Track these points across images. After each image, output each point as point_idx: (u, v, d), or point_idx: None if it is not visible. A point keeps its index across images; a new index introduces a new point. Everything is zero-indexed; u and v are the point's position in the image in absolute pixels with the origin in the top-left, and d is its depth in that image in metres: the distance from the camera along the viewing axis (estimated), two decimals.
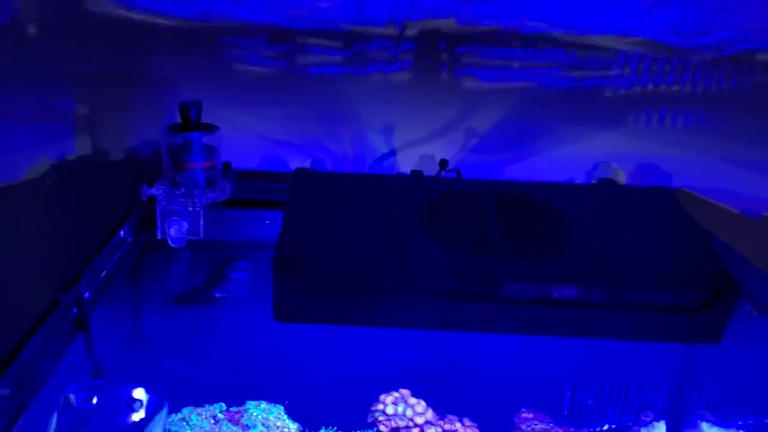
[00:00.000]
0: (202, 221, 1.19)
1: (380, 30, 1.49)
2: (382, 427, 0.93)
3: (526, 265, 0.92)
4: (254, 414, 0.92)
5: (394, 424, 0.93)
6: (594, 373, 1.05)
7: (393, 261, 0.91)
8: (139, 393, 0.78)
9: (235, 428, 0.89)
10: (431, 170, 1.56)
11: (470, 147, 1.60)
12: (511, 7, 1.47)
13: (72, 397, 0.76)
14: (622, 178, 1.61)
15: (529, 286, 0.90)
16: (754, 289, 1.15)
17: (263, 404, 0.95)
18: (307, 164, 1.59)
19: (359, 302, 0.90)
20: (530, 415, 0.99)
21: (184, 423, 0.88)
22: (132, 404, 0.76)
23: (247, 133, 1.56)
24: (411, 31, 1.50)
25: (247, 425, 0.90)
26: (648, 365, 1.05)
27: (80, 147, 1.58)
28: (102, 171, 1.56)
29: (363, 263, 0.91)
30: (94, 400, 0.76)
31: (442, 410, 0.97)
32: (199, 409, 0.93)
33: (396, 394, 0.96)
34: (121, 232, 1.18)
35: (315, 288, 0.89)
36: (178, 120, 1.27)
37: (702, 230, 1.07)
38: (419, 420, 0.93)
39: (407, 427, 0.93)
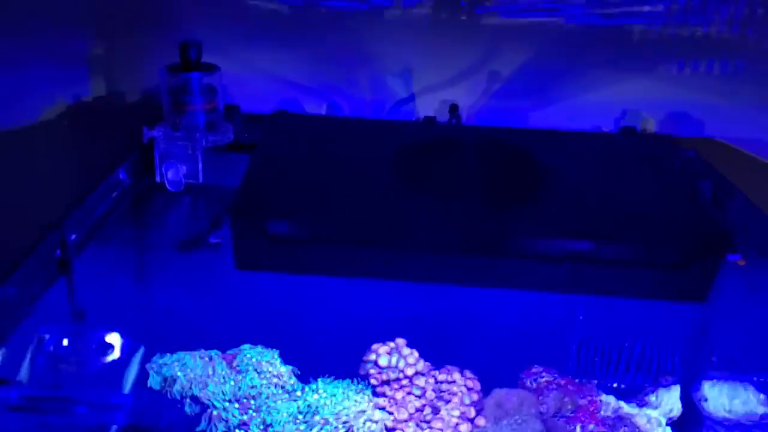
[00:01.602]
0: (200, 164, 1.16)
1: None
2: (372, 380, 0.90)
3: (506, 218, 0.86)
4: (248, 356, 0.89)
5: (384, 377, 0.89)
6: (601, 332, 1.00)
7: (357, 212, 0.86)
8: (113, 337, 0.76)
9: (228, 370, 0.87)
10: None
11: (493, 92, 1.54)
12: None
13: (45, 338, 0.74)
14: (651, 126, 1.53)
15: (507, 240, 0.84)
16: None
17: (259, 348, 0.92)
18: (323, 109, 1.54)
19: (317, 252, 0.85)
20: (540, 369, 0.95)
21: (177, 366, 0.86)
22: (104, 348, 0.74)
23: (263, 76, 1.52)
24: None
25: (239, 369, 0.88)
26: (655, 324, 1.00)
27: (96, 89, 1.57)
28: (116, 112, 1.55)
29: (325, 213, 0.86)
30: (65, 342, 0.74)
31: (440, 362, 0.94)
32: (194, 352, 0.91)
33: (391, 344, 0.93)
34: (120, 174, 1.16)
35: (271, 237, 0.84)
36: None
37: (696, 184, 0.99)
38: (409, 371, 0.90)
39: (397, 378, 0.89)
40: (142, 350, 0.78)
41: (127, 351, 0.76)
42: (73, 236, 0.95)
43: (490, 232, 0.86)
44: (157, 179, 1.16)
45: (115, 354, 0.75)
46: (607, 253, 0.86)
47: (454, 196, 0.91)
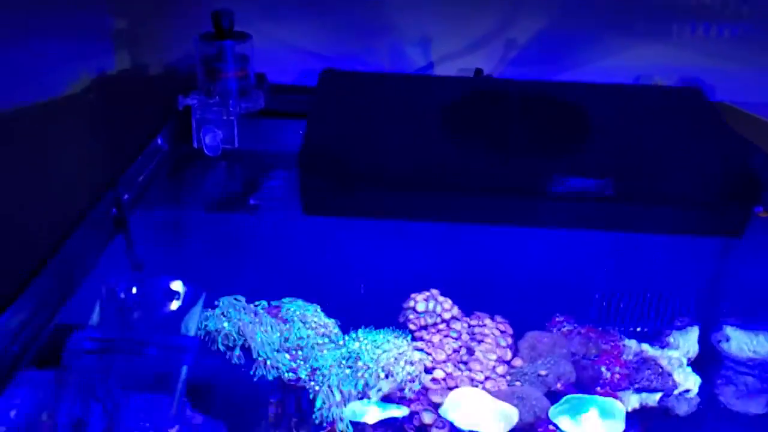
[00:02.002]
0: (236, 130, 1.21)
1: None
2: (411, 326, 0.95)
3: (548, 160, 0.93)
4: (291, 309, 0.95)
5: (423, 322, 0.95)
6: (625, 278, 1.06)
7: (414, 157, 0.92)
8: (177, 285, 0.81)
9: (273, 320, 0.92)
10: None
11: (510, 59, 1.57)
12: None
13: (114, 287, 0.80)
14: None
15: (552, 180, 0.90)
16: None
17: (299, 302, 0.98)
18: None
19: (379, 197, 0.92)
20: (561, 318, 1.01)
21: (223, 317, 0.92)
22: (170, 295, 0.80)
23: (283, 47, 1.55)
24: None
25: (285, 319, 0.93)
26: (677, 272, 1.06)
27: (120, 62, 1.60)
28: (142, 85, 1.58)
29: (385, 159, 0.92)
30: (134, 290, 0.79)
31: (471, 309, 1.00)
32: (238, 304, 0.96)
33: (427, 293, 0.99)
34: (159, 141, 1.21)
35: (337, 183, 0.91)
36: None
37: (728, 129, 1.04)
38: (447, 315, 0.95)
39: (435, 323, 0.95)
40: (203, 298, 0.84)
41: (191, 297, 0.82)
42: (126, 196, 1.00)
43: (531, 173, 0.92)
44: (195, 145, 1.21)
45: (179, 301, 0.81)
46: (646, 192, 0.92)
47: (499, 142, 0.97)
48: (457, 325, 0.95)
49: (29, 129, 1.45)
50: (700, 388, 0.94)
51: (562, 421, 0.83)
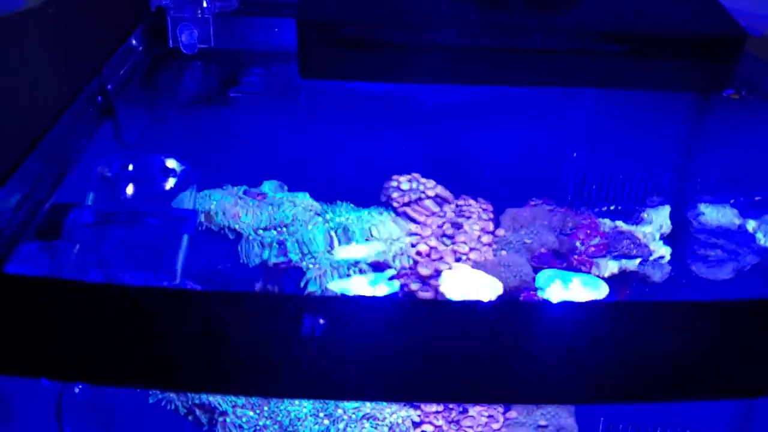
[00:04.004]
0: (212, 28, 1.20)
1: None
2: (394, 203, 0.98)
3: (539, 17, 0.96)
4: (278, 197, 0.97)
5: (406, 198, 0.98)
6: (600, 160, 1.10)
7: (412, 15, 0.93)
8: (172, 162, 0.82)
9: (258, 203, 0.94)
10: None
11: None
12: None
13: (107, 168, 0.80)
14: None
15: (543, 36, 0.93)
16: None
17: (286, 189, 1.00)
18: None
19: (378, 56, 0.93)
20: (540, 201, 1.04)
21: (208, 198, 0.94)
22: (166, 172, 0.81)
23: None
24: None
25: (272, 204, 0.96)
26: (650, 151, 1.10)
27: None
28: None
29: (382, 19, 0.94)
30: (130, 168, 0.80)
31: (455, 192, 1.03)
32: (221, 190, 0.98)
33: (408, 176, 1.02)
34: (132, 41, 1.19)
35: (337, 43, 0.92)
36: None
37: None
38: (430, 193, 0.99)
39: (419, 198, 0.98)
40: (198, 175, 0.85)
41: (185, 177, 0.83)
42: (109, 86, 1.00)
43: (526, 30, 0.95)
44: (170, 44, 1.20)
45: (176, 178, 0.82)
46: (632, 47, 0.96)
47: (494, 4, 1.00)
48: (445, 205, 0.98)
49: None
50: (673, 260, 0.99)
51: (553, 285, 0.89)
